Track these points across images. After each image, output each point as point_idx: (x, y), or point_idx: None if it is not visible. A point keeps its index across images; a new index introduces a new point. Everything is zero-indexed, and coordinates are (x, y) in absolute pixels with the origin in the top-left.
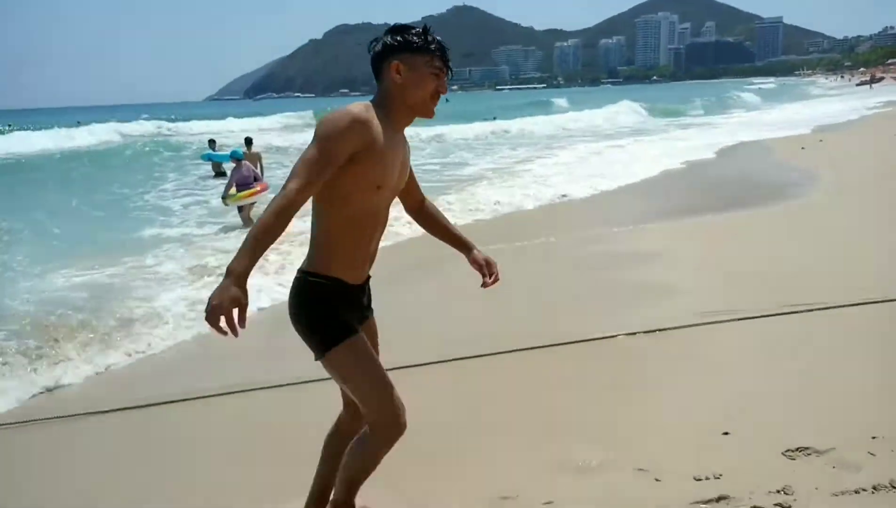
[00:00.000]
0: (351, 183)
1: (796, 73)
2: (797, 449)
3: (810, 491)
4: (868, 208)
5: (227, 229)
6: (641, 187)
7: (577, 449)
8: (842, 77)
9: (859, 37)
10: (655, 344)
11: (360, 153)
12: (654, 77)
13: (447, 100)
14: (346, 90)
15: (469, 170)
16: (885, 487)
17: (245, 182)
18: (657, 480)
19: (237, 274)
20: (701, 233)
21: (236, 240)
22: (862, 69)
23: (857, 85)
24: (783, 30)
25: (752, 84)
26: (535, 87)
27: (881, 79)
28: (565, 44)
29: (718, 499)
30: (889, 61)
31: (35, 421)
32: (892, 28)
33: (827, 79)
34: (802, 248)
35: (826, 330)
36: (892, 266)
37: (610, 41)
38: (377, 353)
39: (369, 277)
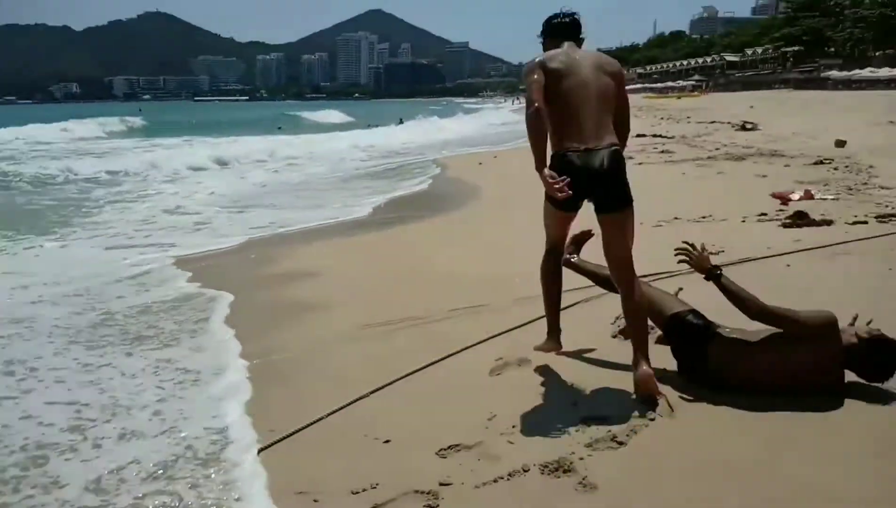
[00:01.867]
0: None
1: (480, 94)
2: (449, 447)
3: (457, 487)
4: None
5: None
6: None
7: None
8: (517, 99)
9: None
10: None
11: None
12: (357, 94)
13: (140, 110)
14: (11, 97)
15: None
16: (519, 472)
17: None
18: (315, 501)
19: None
20: (364, 248)
21: None
22: None
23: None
24: (469, 54)
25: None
26: (237, 99)
27: None
28: (268, 57)
29: None
30: None
31: None
32: None
33: (505, 100)
34: (463, 255)
35: (472, 329)
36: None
37: (312, 57)
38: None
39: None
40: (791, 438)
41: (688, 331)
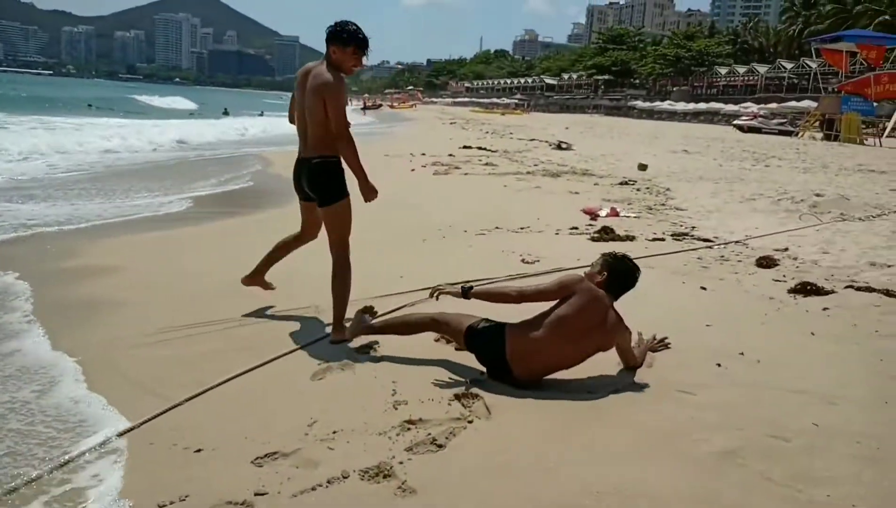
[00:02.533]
0: None
1: None
2: (266, 456)
3: (273, 496)
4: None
5: None
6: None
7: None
8: (352, 101)
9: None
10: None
11: None
12: (178, 78)
13: None
14: None
15: None
16: (338, 479)
17: None
18: None
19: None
20: (173, 244)
21: None
22: (366, 95)
23: (363, 109)
24: (300, 49)
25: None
26: (40, 73)
27: (379, 106)
28: (75, 29)
29: None
30: (386, 91)
31: None
32: (387, 63)
33: None
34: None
35: (286, 331)
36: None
37: (127, 34)
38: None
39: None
40: (575, 440)
41: (482, 334)
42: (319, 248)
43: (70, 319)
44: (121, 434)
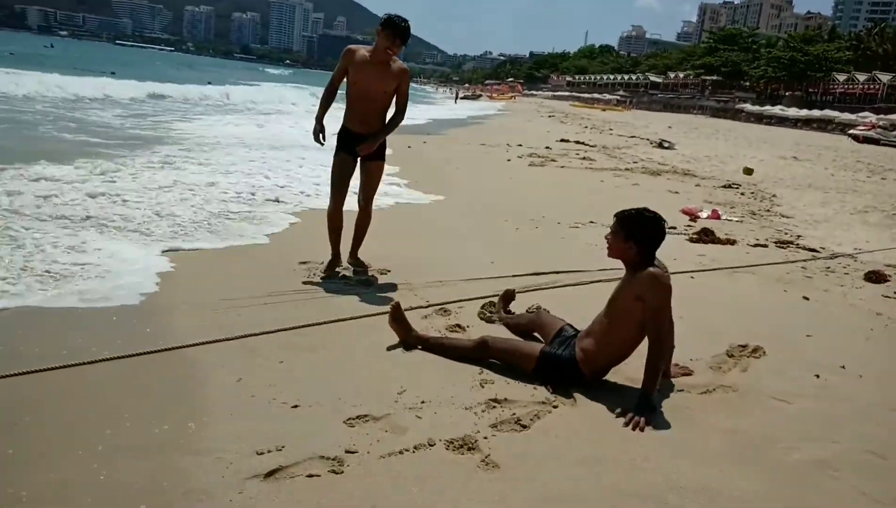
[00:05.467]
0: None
1: (414, 80)
2: (357, 417)
3: (363, 455)
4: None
5: None
6: None
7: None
8: (450, 89)
9: (465, 56)
10: None
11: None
12: (288, 60)
13: (52, 45)
14: None
15: None
16: (425, 445)
17: None
18: (218, 458)
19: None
20: None
21: None
22: (467, 84)
23: (462, 98)
24: None
25: None
26: (163, 49)
27: (478, 96)
28: (197, 9)
29: (274, 470)
30: (486, 81)
31: None
32: (490, 53)
33: (437, 89)
34: None
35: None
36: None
37: (244, 16)
38: (368, 184)
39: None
40: (662, 437)
41: (556, 364)
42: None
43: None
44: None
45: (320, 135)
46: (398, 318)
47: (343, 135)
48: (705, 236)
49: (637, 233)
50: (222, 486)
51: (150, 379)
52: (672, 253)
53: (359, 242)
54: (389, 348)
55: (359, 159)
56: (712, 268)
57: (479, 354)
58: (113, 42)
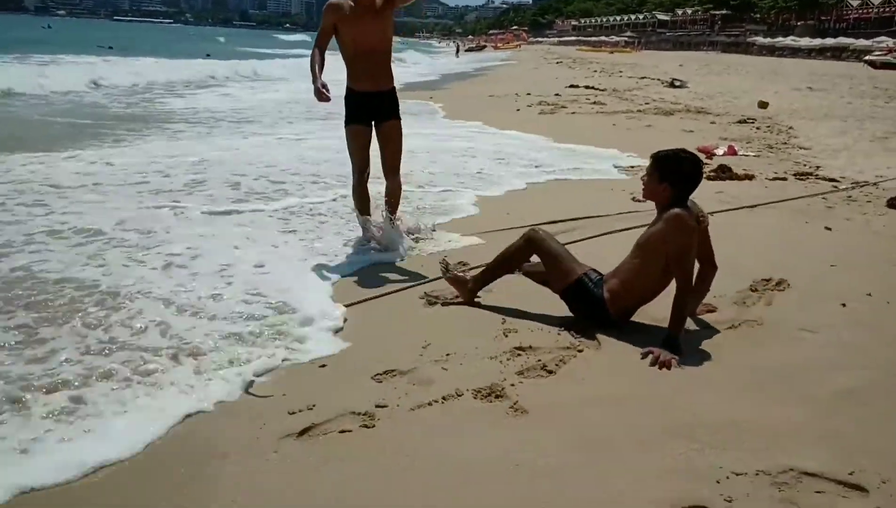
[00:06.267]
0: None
1: (416, 34)
2: (384, 373)
3: (393, 409)
4: None
5: None
6: None
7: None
8: (452, 42)
9: (468, 7)
10: None
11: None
12: (287, 24)
13: (49, 26)
14: None
15: None
16: (453, 396)
17: None
18: (251, 420)
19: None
20: None
21: None
22: (470, 36)
23: (466, 50)
24: None
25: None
26: (161, 22)
27: (483, 47)
28: None
29: (307, 428)
30: (490, 32)
31: None
32: (492, 2)
33: (440, 42)
34: None
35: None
36: None
37: None
38: (389, 149)
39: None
40: (689, 374)
41: (587, 297)
42: None
43: None
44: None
45: (323, 90)
46: (454, 278)
47: (351, 98)
48: (722, 172)
49: (671, 175)
50: (257, 447)
51: None
52: None
53: (394, 210)
54: (411, 309)
55: (373, 124)
56: (733, 208)
57: (526, 253)
58: (111, 18)
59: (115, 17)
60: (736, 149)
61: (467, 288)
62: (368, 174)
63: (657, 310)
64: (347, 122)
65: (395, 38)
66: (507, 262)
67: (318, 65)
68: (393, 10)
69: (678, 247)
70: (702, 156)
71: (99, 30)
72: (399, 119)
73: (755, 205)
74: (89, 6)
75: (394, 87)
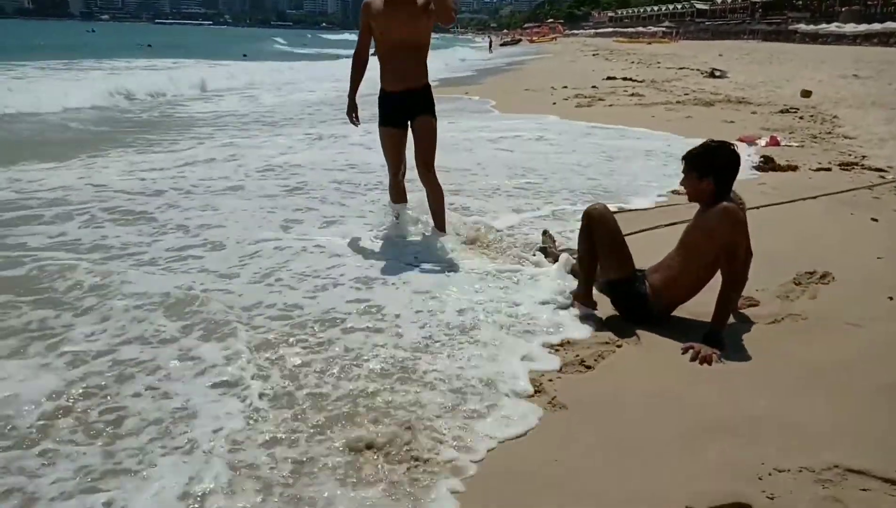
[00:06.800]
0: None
1: (451, 30)
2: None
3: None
4: None
5: None
6: None
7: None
8: (488, 37)
9: (502, 1)
10: None
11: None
12: (324, 23)
13: (93, 30)
14: None
15: None
16: None
17: None
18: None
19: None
20: None
21: None
22: (505, 30)
23: (501, 45)
24: None
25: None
26: (201, 24)
27: (518, 41)
28: None
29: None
30: (526, 25)
31: None
32: None
33: (476, 37)
34: None
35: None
36: None
37: None
38: (422, 147)
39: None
40: (730, 369)
41: (632, 292)
42: None
43: None
44: None
45: (353, 116)
46: (581, 295)
47: (384, 100)
48: (765, 163)
49: (710, 169)
50: None
51: None
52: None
53: (441, 218)
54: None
55: (408, 124)
56: (778, 203)
57: (587, 233)
58: (152, 21)
59: (157, 21)
60: (778, 139)
61: (585, 298)
62: (404, 173)
63: (696, 305)
64: (381, 123)
65: (434, 35)
66: (591, 250)
67: (355, 79)
68: (429, 9)
69: (730, 242)
70: (743, 146)
71: (142, 33)
72: (433, 115)
73: (802, 199)
74: (132, 10)
75: (427, 84)
